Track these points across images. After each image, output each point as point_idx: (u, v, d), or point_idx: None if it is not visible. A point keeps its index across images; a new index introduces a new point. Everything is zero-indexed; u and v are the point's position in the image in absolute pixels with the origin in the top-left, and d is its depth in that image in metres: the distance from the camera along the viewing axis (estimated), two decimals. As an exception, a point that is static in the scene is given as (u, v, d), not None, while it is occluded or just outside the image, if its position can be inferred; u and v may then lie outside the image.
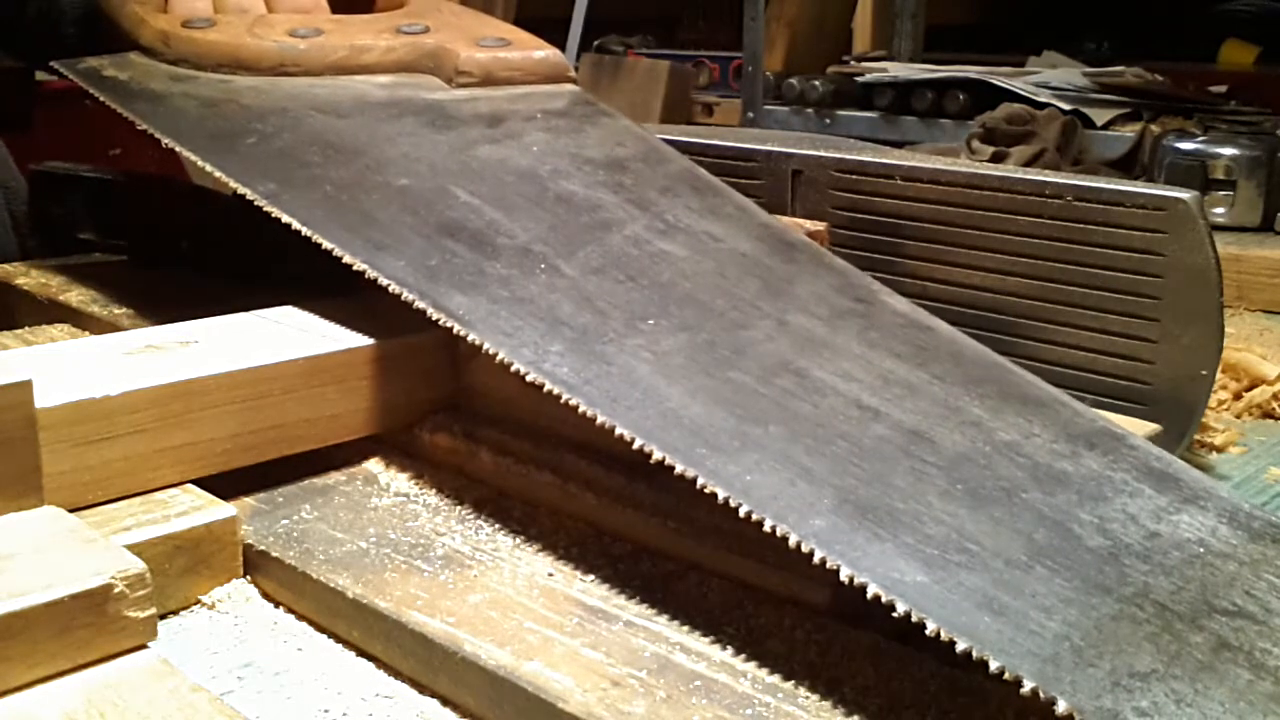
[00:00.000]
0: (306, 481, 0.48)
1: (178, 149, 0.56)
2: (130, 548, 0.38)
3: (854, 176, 0.69)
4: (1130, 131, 1.32)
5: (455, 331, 0.46)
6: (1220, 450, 0.63)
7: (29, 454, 0.39)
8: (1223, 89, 1.56)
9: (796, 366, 0.45)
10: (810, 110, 1.79)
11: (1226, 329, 0.58)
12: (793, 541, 0.36)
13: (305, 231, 0.51)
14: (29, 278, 0.66)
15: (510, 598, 0.40)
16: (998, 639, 0.32)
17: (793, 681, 0.36)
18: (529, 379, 0.44)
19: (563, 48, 2.23)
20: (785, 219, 0.66)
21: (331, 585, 0.41)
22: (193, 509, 0.43)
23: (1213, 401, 0.67)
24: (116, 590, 0.35)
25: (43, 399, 0.40)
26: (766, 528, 0.37)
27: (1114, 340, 0.59)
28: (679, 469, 0.39)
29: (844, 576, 0.35)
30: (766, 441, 0.40)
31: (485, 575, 0.42)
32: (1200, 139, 1.15)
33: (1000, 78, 1.55)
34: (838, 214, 0.69)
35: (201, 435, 0.45)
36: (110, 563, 0.36)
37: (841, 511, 0.37)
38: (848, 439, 0.41)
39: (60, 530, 0.38)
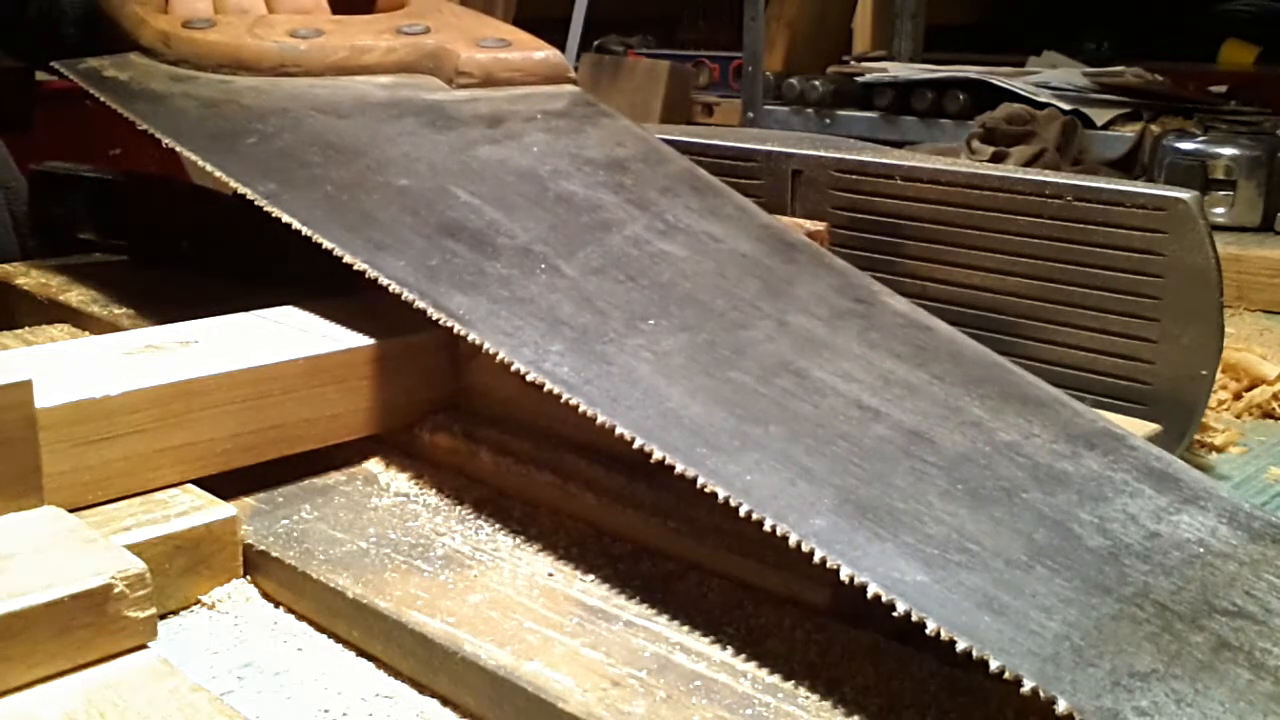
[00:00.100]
0: (306, 481, 0.48)
1: (178, 149, 0.56)
2: (130, 548, 0.38)
3: (854, 176, 0.69)
4: (1130, 131, 1.32)
5: (455, 331, 0.46)
6: (1220, 450, 0.63)
7: (29, 454, 0.39)
8: (1223, 89, 1.56)
9: (797, 367, 0.45)
10: (810, 110, 1.79)
11: (1226, 329, 0.58)
12: (793, 541, 0.36)
13: (306, 231, 0.51)
14: (29, 278, 0.66)
15: (510, 598, 0.40)
16: (998, 638, 0.32)
17: (793, 681, 0.36)
18: (529, 378, 0.44)
19: (563, 48, 2.23)
20: (785, 219, 0.66)
21: (331, 585, 0.41)
22: (193, 509, 0.43)
23: (1213, 401, 0.67)
24: (116, 590, 0.35)
25: (43, 399, 0.40)
26: (767, 527, 0.37)
27: (1114, 340, 0.59)
28: (679, 468, 0.39)
29: (844, 576, 0.35)
30: (767, 441, 0.40)
31: (485, 575, 0.42)
32: (1200, 139, 1.15)
33: (1000, 78, 1.55)
34: (838, 214, 0.69)
35: (201, 435, 0.45)
36: (110, 563, 0.36)
37: (842, 511, 0.37)
38: (848, 439, 0.41)
39: (60, 530, 0.38)
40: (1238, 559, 0.37)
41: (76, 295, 0.63)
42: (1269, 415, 0.68)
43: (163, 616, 0.40)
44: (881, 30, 2.17)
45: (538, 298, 0.48)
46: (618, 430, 0.41)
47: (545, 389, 0.43)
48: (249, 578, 0.43)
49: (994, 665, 0.32)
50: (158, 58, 0.65)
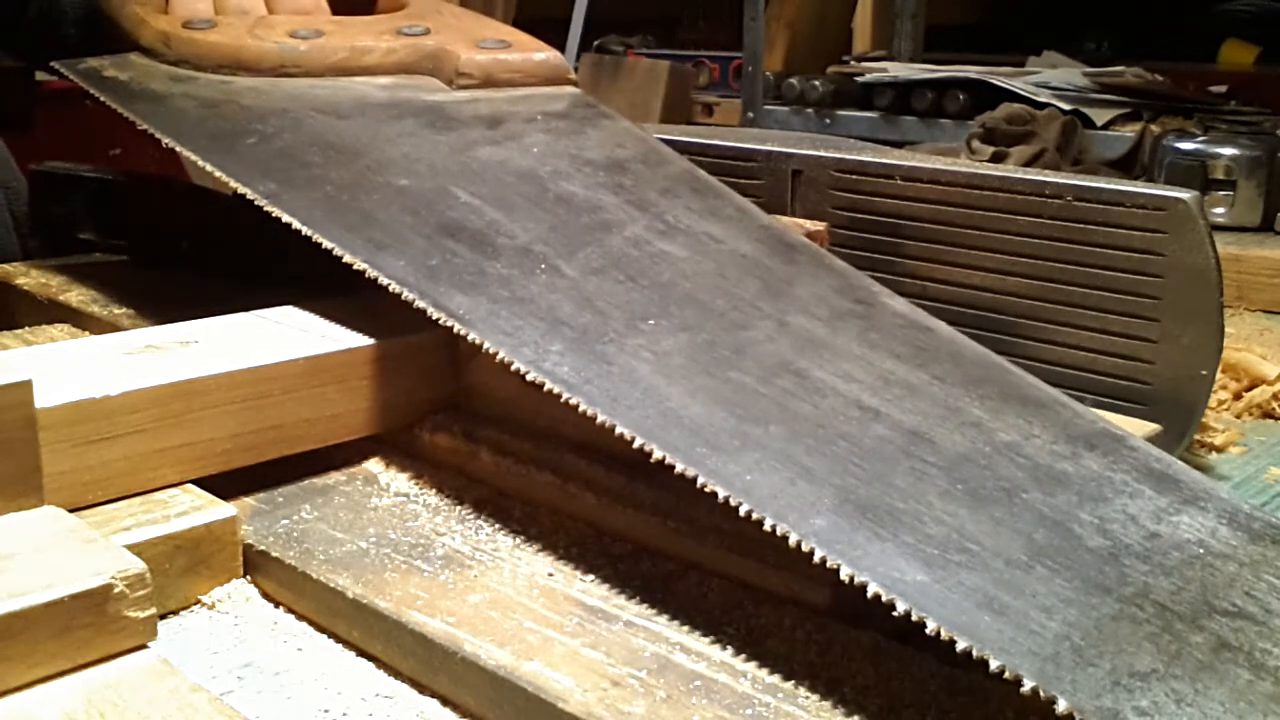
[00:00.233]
0: (306, 481, 0.48)
1: (178, 149, 0.56)
2: (130, 548, 0.38)
3: (854, 176, 0.69)
4: (1130, 131, 1.32)
5: (455, 331, 0.46)
6: (1220, 450, 0.63)
7: (29, 454, 0.39)
8: (1223, 89, 1.56)
9: (797, 367, 0.45)
10: (810, 110, 1.79)
11: (1226, 329, 0.58)
12: (793, 541, 0.36)
13: (306, 231, 0.51)
14: (29, 278, 0.66)
15: (510, 598, 0.40)
16: (998, 638, 0.32)
17: (793, 681, 0.36)
18: (529, 378, 0.44)
19: (563, 48, 2.23)
20: (785, 219, 0.66)
21: (331, 585, 0.41)
22: (193, 509, 0.43)
23: (1213, 401, 0.67)
24: (116, 590, 0.35)
25: (43, 399, 0.40)
26: (767, 527, 0.37)
27: (1114, 340, 0.59)
28: (679, 468, 0.39)
29: (844, 576, 0.35)
30: (767, 441, 0.40)
31: (485, 575, 0.42)
32: (1200, 139, 1.15)
33: (1000, 78, 1.55)
34: (838, 214, 0.69)
35: (201, 435, 0.45)
36: (110, 563, 0.36)
37: (842, 511, 0.37)
38: (848, 439, 0.41)
39: (60, 530, 0.38)
40: (1238, 559, 0.37)
41: (76, 295, 0.63)
42: (1269, 415, 0.68)
43: (163, 616, 0.40)
44: (881, 30, 2.17)
45: (538, 298, 0.48)
46: (618, 430, 0.41)
47: (545, 389, 0.43)
48: (249, 578, 0.43)
49: (994, 665, 0.32)
50: (158, 58, 0.65)
